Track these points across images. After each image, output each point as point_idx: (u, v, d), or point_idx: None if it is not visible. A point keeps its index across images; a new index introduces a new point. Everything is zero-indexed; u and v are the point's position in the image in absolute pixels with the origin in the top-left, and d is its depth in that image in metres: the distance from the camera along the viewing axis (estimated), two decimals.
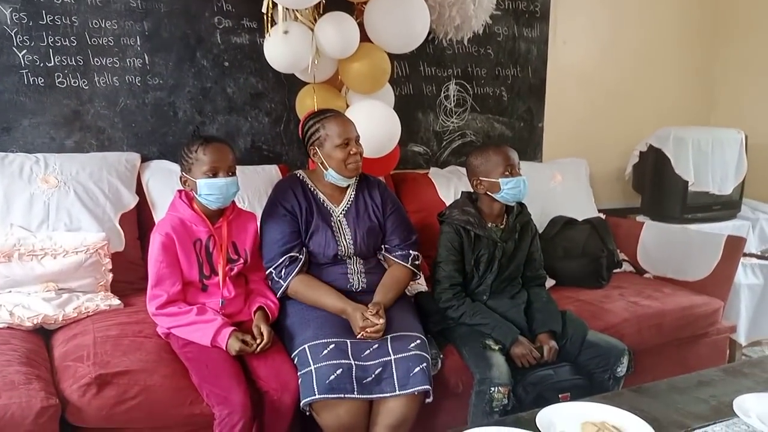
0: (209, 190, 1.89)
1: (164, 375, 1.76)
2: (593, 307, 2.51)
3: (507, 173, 2.13)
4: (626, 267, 3.06)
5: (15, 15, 2.41)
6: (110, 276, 2.23)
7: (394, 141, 2.65)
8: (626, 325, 2.44)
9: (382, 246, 2.18)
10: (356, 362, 1.83)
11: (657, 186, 3.47)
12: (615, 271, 2.94)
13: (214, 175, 1.89)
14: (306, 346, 1.85)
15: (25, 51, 2.44)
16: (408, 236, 2.19)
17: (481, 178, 2.17)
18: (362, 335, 1.89)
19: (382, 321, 1.90)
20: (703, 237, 2.93)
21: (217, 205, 1.93)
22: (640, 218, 3.52)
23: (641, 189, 3.62)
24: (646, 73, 3.82)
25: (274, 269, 2.02)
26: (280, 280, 2.01)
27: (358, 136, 2.10)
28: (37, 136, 2.50)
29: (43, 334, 2.04)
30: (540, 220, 3.06)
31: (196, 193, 1.92)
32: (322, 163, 2.09)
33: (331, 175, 2.10)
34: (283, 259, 2.01)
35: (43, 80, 2.48)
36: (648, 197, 3.56)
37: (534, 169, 3.32)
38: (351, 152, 2.05)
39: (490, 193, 2.17)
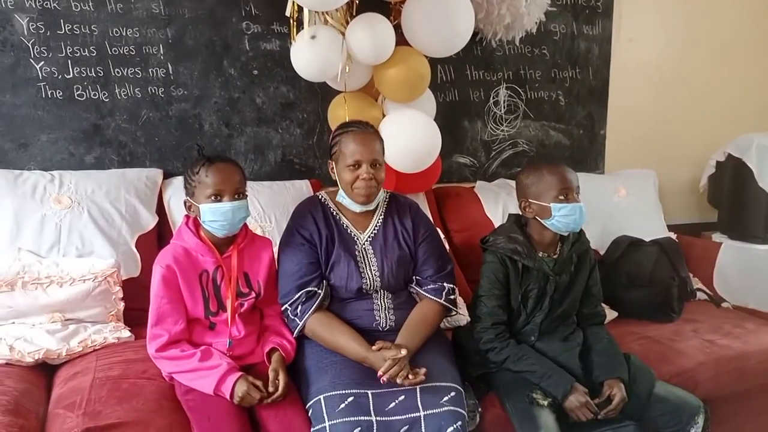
0: (213, 215, 1.69)
1: (161, 428, 1.56)
2: (662, 346, 2.18)
3: (561, 198, 1.83)
4: (700, 295, 2.69)
5: (32, 25, 2.29)
6: (122, 305, 2.06)
7: (433, 155, 2.40)
8: (702, 369, 2.09)
9: (413, 278, 1.93)
10: (378, 418, 1.59)
11: (737, 201, 3.06)
12: None
13: (219, 199, 1.69)
14: (321, 396, 1.62)
15: (42, 63, 2.32)
16: (443, 266, 1.93)
17: (530, 200, 1.89)
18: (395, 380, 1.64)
19: (404, 351, 1.66)
20: None
21: (222, 232, 1.72)
22: (716, 236, 3.14)
23: (718, 203, 3.22)
24: (726, 72, 3.41)
25: (289, 305, 1.79)
26: (296, 318, 1.78)
27: (375, 161, 1.82)
28: (55, 152, 2.38)
29: (47, 368, 1.90)
30: (601, 240, 2.75)
31: (200, 219, 1.72)
32: (337, 181, 1.88)
33: (342, 196, 1.88)
34: (299, 294, 1.78)
35: (61, 93, 2.36)
36: (726, 213, 3.15)
37: (595, 182, 3.00)
38: (360, 176, 1.81)
39: (539, 219, 1.88)
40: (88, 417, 1.53)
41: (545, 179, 1.86)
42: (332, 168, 1.90)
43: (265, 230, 2.34)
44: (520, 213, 1.97)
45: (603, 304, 2.35)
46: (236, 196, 1.71)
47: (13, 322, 1.93)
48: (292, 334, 1.80)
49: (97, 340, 1.94)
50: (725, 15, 3.36)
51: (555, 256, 1.92)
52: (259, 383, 1.63)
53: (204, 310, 1.73)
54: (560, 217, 1.83)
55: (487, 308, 1.88)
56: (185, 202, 1.76)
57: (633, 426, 1.78)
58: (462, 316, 2.21)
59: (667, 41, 3.29)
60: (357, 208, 1.88)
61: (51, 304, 1.95)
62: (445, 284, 1.90)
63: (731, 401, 2.17)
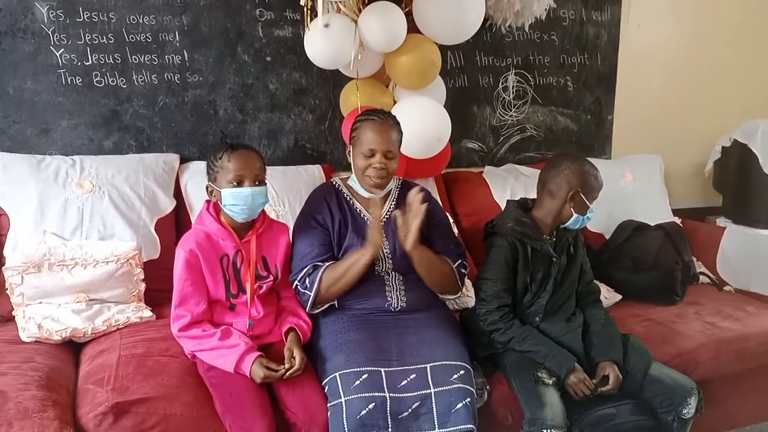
0: (234, 200, 1.76)
1: (186, 402, 1.65)
2: (664, 328, 2.24)
3: (592, 200, 1.96)
4: (703, 279, 2.75)
5: (52, 13, 2.34)
6: (143, 286, 2.14)
7: (443, 141, 2.45)
8: (702, 350, 2.16)
9: None
10: (391, 394, 1.67)
11: (741, 186, 3.11)
12: None
13: (239, 184, 1.76)
14: (337, 374, 1.70)
15: (62, 50, 2.38)
16: (455, 248, 2.00)
17: (580, 191, 1.94)
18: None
19: None
20: None
21: (242, 217, 1.79)
22: (720, 221, 3.19)
23: (723, 188, 3.27)
24: (733, 59, 3.43)
25: (299, 282, 1.87)
26: (307, 291, 1.85)
27: (389, 151, 1.90)
28: (75, 137, 2.45)
29: (73, 346, 1.98)
30: (607, 225, 2.82)
31: (221, 204, 1.79)
32: (351, 166, 1.94)
33: (353, 180, 1.97)
34: (306, 267, 1.86)
35: (80, 79, 2.42)
36: (730, 198, 3.20)
37: (602, 167, 2.94)
38: (372, 165, 1.88)
39: (571, 208, 1.94)
40: (117, 392, 1.62)
41: (596, 182, 1.95)
42: (349, 152, 1.97)
43: (279, 214, 2.41)
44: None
45: (608, 287, 2.44)
46: (256, 183, 1.78)
47: (41, 302, 2.01)
48: (305, 309, 1.88)
49: (121, 320, 2.03)
50: (733, 1, 3.38)
51: (554, 239, 2.00)
52: (273, 365, 1.70)
53: (225, 292, 1.81)
54: (586, 218, 1.95)
55: (493, 291, 1.94)
56: (207, 187, 1.83)
57: (631, 404, 1.85)
58: (469, 298, 2.28)
59: (675, 28, 3.32)
60: (366, 194, 1.95)
61: (76, 284, 2.03)
62: (457, 260, 1.98)
63: (730, 381, 2.24)
